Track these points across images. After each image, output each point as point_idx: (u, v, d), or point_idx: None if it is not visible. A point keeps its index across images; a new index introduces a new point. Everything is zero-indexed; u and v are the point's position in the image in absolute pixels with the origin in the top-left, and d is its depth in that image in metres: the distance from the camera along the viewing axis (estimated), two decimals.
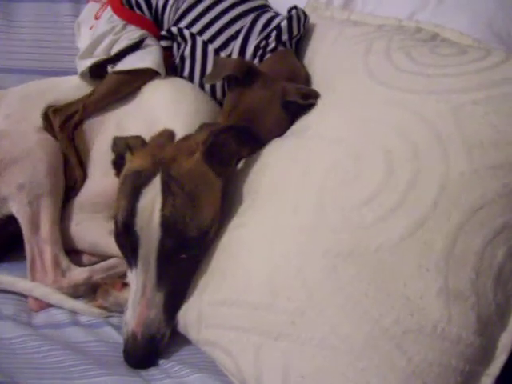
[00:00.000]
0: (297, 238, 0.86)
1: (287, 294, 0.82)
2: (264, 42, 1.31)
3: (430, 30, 1.17)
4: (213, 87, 1.37)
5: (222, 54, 1.35)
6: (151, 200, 0.91)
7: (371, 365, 0.73)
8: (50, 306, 1.10)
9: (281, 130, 1.11)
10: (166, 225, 0.90)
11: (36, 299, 1.10)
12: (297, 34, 1.33)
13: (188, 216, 0.91)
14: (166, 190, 0.91)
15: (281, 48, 1.30)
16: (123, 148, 1.03)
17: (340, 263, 0.80)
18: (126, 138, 1.05)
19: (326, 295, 0.79)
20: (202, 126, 1.09)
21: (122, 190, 0.96)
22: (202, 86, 1.38)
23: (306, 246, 0.84)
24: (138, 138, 1.06)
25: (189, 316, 0.93)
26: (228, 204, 1.02)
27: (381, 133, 0.88)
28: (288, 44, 1.32)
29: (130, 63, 1.36)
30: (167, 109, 1.26)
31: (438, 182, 0.80)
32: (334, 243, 0.82)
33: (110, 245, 1.08)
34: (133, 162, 0.99)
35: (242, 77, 1.14)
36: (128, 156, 1.02)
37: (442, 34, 1.14)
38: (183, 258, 0.93)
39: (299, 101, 1.10)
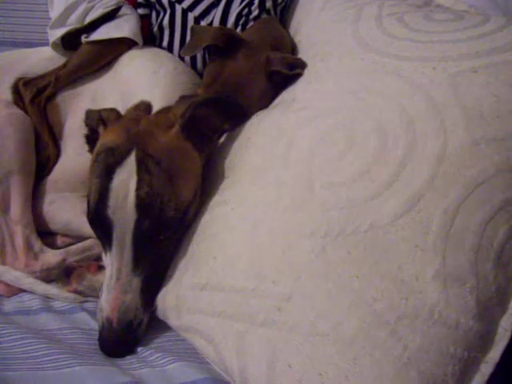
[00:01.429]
0: (282, 216, 0.81)
1: (272, 278, 0.77)
2: (246, 10, 1.26)
3: None
4: (193, 57, 1.33)
5: (203, 23, 1.30)
6: (126, 179, 0.86)
7: (364, 353, 0.68)
8: (21, 291, 1.07)
9: (265, 102, 1.06)
10: (142, 206, 0.85)
11: (6, 284, 1.06)
12: (282, 0, 1.28)
13: (166, 196, 0.87)
14: (142, 168, 0.87)
15: (264, 16, 1.25)
16: (96, 121, 0.98)
17: (329, 244, 0.76)
18: (99, 111, 1.00)
19: (314, 278, 0.75)
20: (181, 99, 1.04)
21: (95, 169, 0.91)
22: (181, 57, 1.32)
23: (292, 226, 0.80)
24: (113, 110, 1.01)
25: (168, 301, 0.89)
26: (209, 181, 0.98)
27: (373, 103, 0.83)
28: (272, 11, 1.28)
29: (105, 32, 1.32)
30: (144, 80, 1.21)
31: (435, 155, 0.75)
32: (322, 222, 0.78)
33: (85, 225, 1.03)
34: (106, 137, 0.94)
35: (224, 46, 1.08)
36: (101, 130, 0.97)
37: (436, 0, 1.09)
38: (161, 240, 0.89)
39: (285, 71, 1.05)
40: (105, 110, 1.00)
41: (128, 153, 0.88)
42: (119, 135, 0.91)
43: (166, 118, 0.96)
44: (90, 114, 1.01)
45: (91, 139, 1.01)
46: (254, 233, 0.83)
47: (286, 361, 0.72)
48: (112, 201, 0.86)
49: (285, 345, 0.73)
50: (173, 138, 0.91)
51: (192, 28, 1.18)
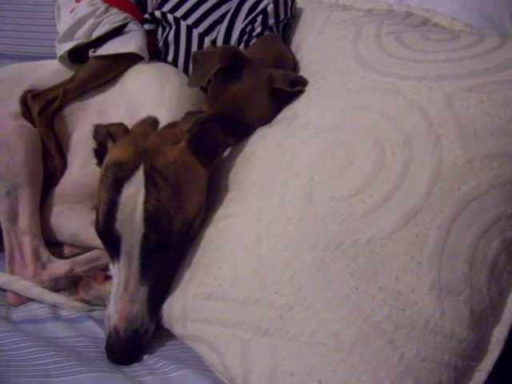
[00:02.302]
0: (284, 229, 0.83)
1: (275, 288, 0.79)
2: (250, 27, 1.27)
3: (420, 14, 1.15)
4: None
5: (207, 39, 1.32)
6: (134, 193, 0.88)
7: (362, 361, 0.71)
8: (29, 300, 1.07)
9: (268, 118, 1.08)
10: (150, 219, 0.87)
11: (15, 293, 1.07)
12: (284, 18, 1.30)
13: (172, 209, 0.88)
14: (150, 182, 0.88)
15: (267, 33, 1.27)
16: (105, 136, 0.99)
17: (329, 256, 0.78)
18: (107, 126, 1.01)
19: (314, 289, 0.77)
20: (187, 114, 1.05)
21: (104, 182, 0.92)
22: (186, 71, 1.35)
23: (293, 239, 0.82)
24: (121, 125, 1.02)
25: (173, 310, 0.91)
26: (214, 194, 1.00)
27: (371, 121, 0.85)
28: (275, 29, 1.28)
29: (112, 47, 1.32)
30: (150, 94, 1.22)
31: (431, 171, 0.77)
32: (322, 235, 0.80)
33: (92, 236, 1.05)
34: (114, 152, 0.95)
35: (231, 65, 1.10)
36: (110, 145, 0.98)
37: (433, 19, 1.12)
38: (167, 251, 0.91)
39: (286, 88, 1.07)
40: (113, 124, 1.02)
41: (136, 167, 0.89)
42: (127, 150, 0.93)
43: (173, 134, 0.97)
44: (98, 129, 1.02)
45: (99, 153, 1.02)
46: (257, 245, 0.84)
47: (288, 369, 0.74)
48: (120, 214, 0.87)
49: (287, 353, 0.75)
50: (180, 153, 0.93)
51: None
